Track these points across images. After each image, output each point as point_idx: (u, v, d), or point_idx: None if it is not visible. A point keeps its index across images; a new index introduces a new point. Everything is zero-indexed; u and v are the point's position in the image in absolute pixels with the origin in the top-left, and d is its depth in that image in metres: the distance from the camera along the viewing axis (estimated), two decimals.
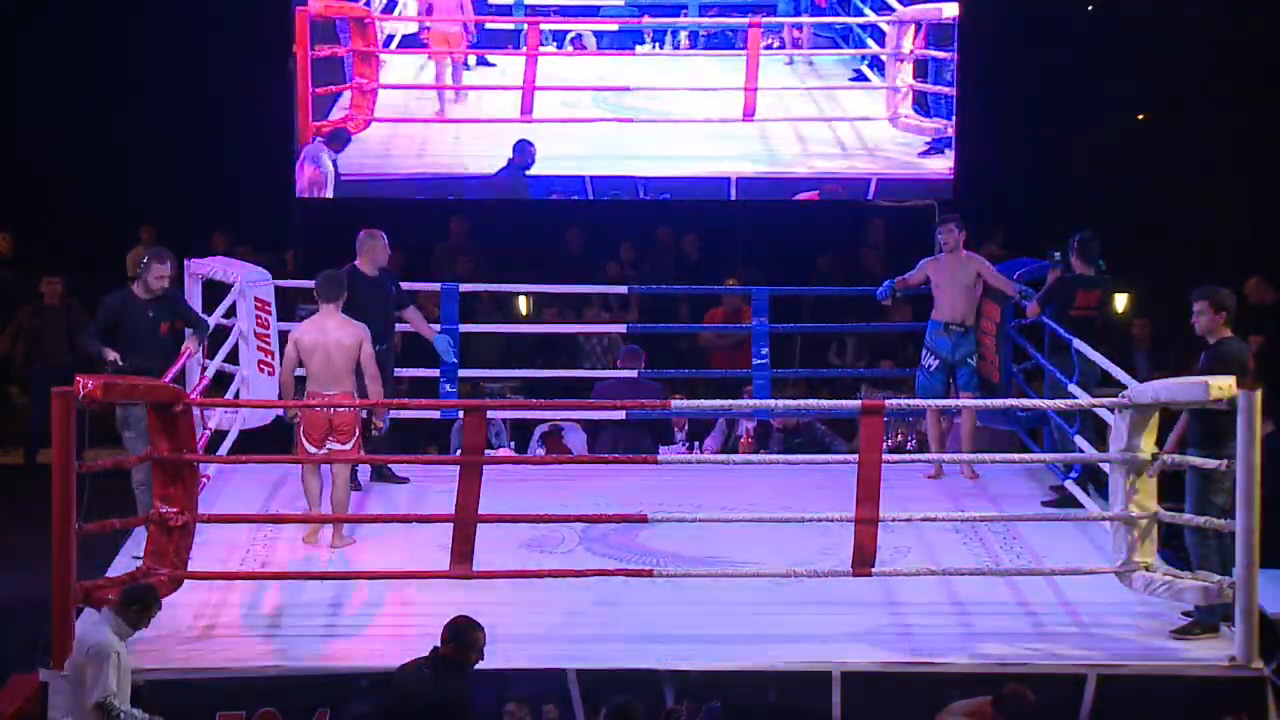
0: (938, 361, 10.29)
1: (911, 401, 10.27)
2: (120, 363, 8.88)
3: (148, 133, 14.58)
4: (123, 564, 8.51)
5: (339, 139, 13.20)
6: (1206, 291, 8.03)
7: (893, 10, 13.37)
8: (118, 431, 9.04)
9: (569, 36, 13.64)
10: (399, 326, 10.28)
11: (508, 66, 13.54)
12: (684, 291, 13.18)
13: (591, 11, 13.56)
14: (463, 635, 6.94)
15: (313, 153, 13.16)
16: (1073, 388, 9.38)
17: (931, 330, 10.33)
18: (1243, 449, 7.50)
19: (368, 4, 13.26)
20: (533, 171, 13.44)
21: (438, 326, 10.72)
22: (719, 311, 12.81)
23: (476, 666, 6.95)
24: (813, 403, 10.39)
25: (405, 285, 10.53)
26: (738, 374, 11.68)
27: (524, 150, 13.28)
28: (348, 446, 8.96)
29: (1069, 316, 9.71)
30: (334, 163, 13.22)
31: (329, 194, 13.24)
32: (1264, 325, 11.76)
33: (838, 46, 13.75)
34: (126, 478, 8.88)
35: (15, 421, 13.28)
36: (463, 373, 11.11)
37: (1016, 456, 9.97)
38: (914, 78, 13.49)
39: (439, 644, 6.93)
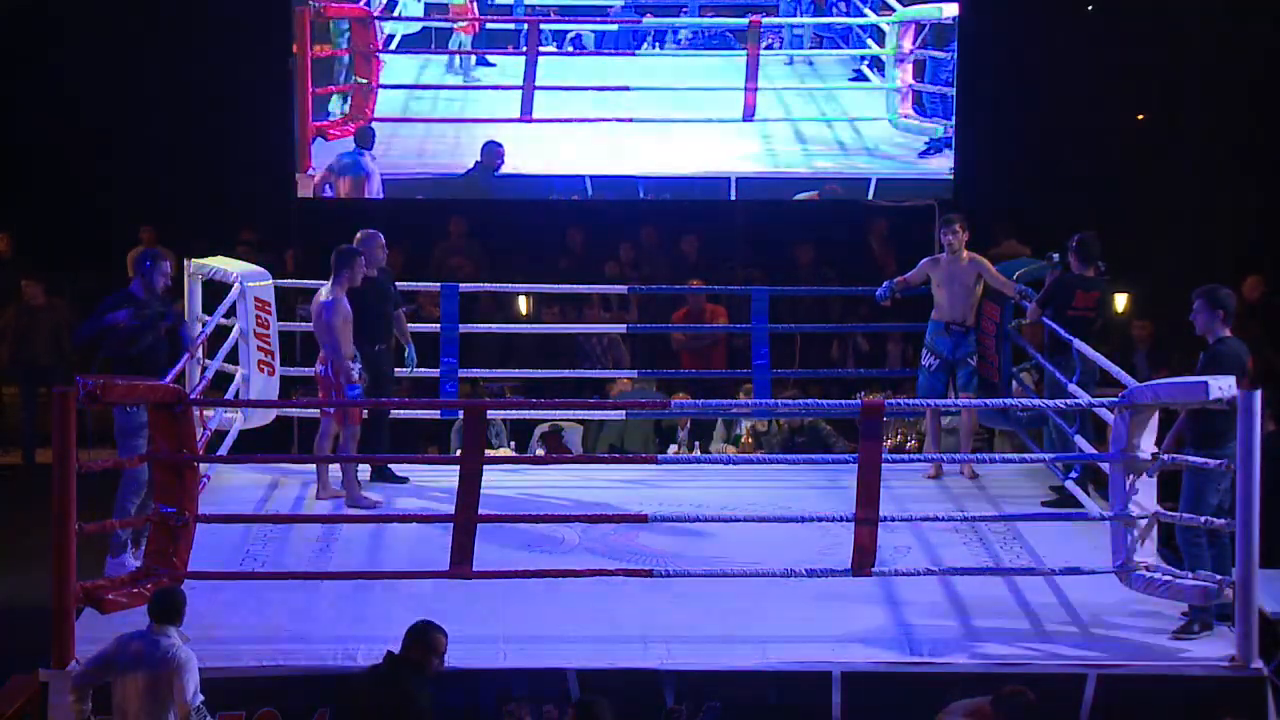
0: (938, 361, 10.29)
1: (911, 401, 10.27)
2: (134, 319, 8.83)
3: (148, 133, 14.59)
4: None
5: (366, 137, 13.20)
6: (1205, 290, 8.05)
7: (893, 10, 13.37)
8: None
9: (569, 36, 13.65)
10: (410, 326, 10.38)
11: (508, 66, 13.54)
12: (684, 291, 13.18)
13: (591, 12, 13.56)
14: (426, 638, 6.94)
15: (348, 162, 13.16)
16: (1073, 388, 9.38)
17: (931, 330, 10.34)
18: (1243, 449, 7.50)
19: (368, 4, 13.27)
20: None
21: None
22: (683, 311, 12.77)
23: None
24: (813, 403, 10.39)
25: (405, 285, 10.56)
26: (738, 374, 11.69)
27: (491, 152, 13.26)
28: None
29: (1066, 317, 9.71)
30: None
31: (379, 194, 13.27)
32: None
33: (838, 46, 13.75)
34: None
35: (15, 421, 13.30)
36: (463, 373, 11.13)
37: (1016, 456, 9.97)
38: (914, 78, 13.50)
39: (402, 648, 6.93)
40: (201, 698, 6.88)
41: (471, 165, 13.29)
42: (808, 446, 11.17)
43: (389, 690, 6.87)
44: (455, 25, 13.43)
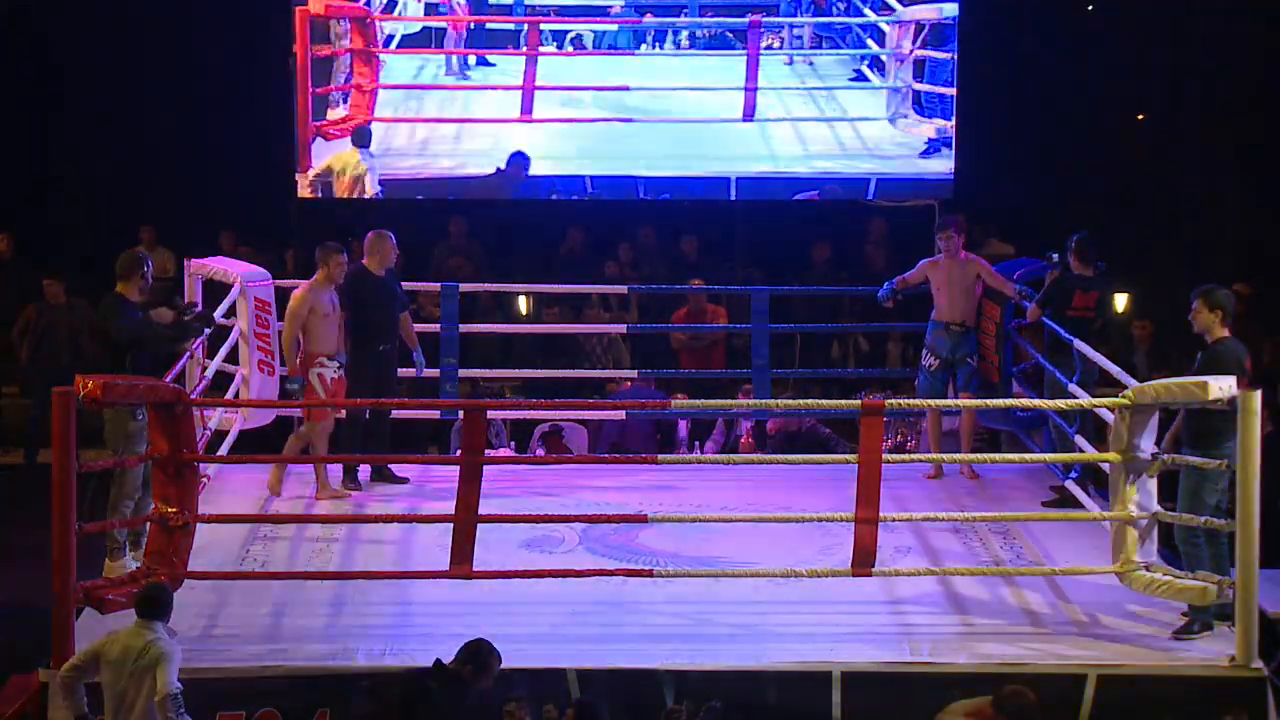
0: (938, 361, 10.30)
1: (911, 401, 10.27)
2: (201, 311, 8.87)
3: (148, 133, 14.59)
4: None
5: (363, 136, 13.21)
6: (1203, 291, 8.05)
7: (893, 10, 13.37)
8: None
9: (569, 36, 13.65)
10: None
11: (508, 66, 13.55)
12: (684, 291, 13.17)
13: (591, 12, 13.56)
14: (481, 658, 6.89)
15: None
16: (1073, 388, 9.39)
17: (931, 330, 10.34)
18: (1242, 449, 7.50)
19: (368, 4, 13.27)
20: (532, 171, 13.45)
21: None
22: (683, 311, 12.77)
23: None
24: (813, 402, 10.38)
25: (405, 285, 10.57)
26: (738, 374, 11.69)
27: (518, 164, 13.26)
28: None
29: (1065, 317, 9.71)
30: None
31: (377, 192, 13.28)
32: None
33: (838, 46, 13.75)
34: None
35: (15, 421, 13.28)
36: (463, 373, 11.13)
37: (1016, 456, 9.97)
38: (914, 78, 13.50)
39: (454, 660, 6.90)
40: (179, 687, 6.84)
41: (494, 171, 13.28)
42: (806, 450, 11.16)
43: (428, 698, 6.80)
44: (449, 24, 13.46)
